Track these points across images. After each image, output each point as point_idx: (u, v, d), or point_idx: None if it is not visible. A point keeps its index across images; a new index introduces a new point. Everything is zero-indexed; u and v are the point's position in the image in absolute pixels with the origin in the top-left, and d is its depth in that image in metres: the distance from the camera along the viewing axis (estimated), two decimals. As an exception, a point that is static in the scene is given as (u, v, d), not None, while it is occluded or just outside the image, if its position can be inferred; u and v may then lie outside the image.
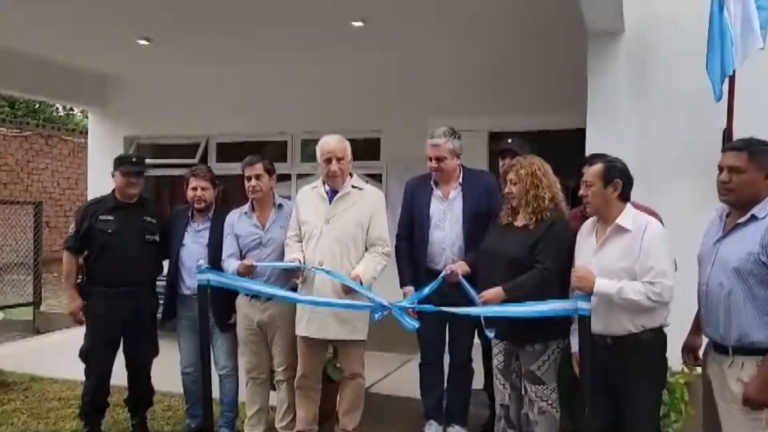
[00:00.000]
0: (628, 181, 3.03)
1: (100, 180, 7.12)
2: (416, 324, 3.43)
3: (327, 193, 3.80)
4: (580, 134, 4.30)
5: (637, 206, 3.15)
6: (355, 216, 3.74)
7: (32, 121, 14.66)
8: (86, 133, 9.20)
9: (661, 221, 3.12)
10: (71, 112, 17.90)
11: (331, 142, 3.77)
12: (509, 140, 4.09)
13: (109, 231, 3.96)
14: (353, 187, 3.81)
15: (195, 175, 4.12)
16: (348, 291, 3.57)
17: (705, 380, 2.83)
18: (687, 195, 3.52)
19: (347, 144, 3.82)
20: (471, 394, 4.11)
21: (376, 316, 3.41)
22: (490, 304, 3.26)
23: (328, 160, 3.72)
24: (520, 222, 3.40)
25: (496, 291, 3.26)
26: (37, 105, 16.34)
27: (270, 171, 3.96)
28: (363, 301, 3.54)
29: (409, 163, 5.77)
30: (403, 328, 3.40)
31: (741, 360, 2.59)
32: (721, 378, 2.67)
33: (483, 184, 3.96)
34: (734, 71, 3.77)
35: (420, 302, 3.50)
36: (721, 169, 2.70)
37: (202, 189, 4.07)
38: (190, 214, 4.17)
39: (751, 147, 2.65)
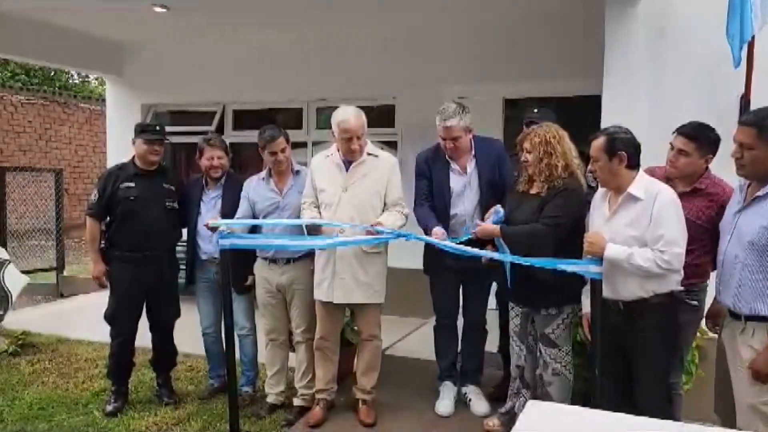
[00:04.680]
0: (634, 150, 2.97)
1: (120, 147, 7.22)
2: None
3: (343, 161, 3.83)
4: (596, 100, 4.28)
5: (712, 179, 3.07)
6: (372, 183, 3.79)
7: (48, 88, 14.68)
8: (102, 100, 9.21)
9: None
10: (86, 80, 17.89)
11: (351, 120, 3.71)
12: (535, 110, 4.07)
13: (131, 197, 4.04)
14: (368, 154, 3.83)
15: (211, 145, 4.20)
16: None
17: (720, 344, 2.86)
18: (702, 161, 3.55)
19: (364, 118, 3.78)
20: (484, 355, 4.21)
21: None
22: (484, 233, 3.45)
23: (349, 139, 3.71)
24: (535, 189, 3.44)
25: (492, 227, 3.41)
26: (53, 72, 16.34)
27: (288, 140, 4.01)
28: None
29: (423, 130, 5.78)
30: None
31: (752, 327, 2.60)
32: (733, 343, 2.70)
33: (494, 153, 3.96)
34: (753, 37, 3.74)
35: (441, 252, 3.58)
36: (735, 142, 2.67)
37: (218, 158, 4.17)
38: (204, 182, 4.26)
39: (761, 122, 2.59)
